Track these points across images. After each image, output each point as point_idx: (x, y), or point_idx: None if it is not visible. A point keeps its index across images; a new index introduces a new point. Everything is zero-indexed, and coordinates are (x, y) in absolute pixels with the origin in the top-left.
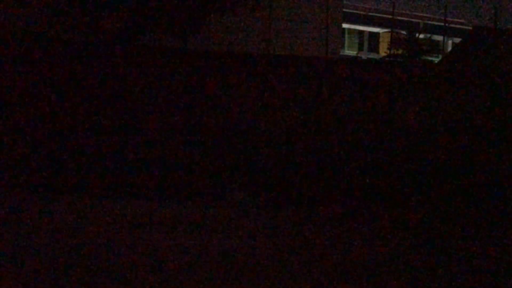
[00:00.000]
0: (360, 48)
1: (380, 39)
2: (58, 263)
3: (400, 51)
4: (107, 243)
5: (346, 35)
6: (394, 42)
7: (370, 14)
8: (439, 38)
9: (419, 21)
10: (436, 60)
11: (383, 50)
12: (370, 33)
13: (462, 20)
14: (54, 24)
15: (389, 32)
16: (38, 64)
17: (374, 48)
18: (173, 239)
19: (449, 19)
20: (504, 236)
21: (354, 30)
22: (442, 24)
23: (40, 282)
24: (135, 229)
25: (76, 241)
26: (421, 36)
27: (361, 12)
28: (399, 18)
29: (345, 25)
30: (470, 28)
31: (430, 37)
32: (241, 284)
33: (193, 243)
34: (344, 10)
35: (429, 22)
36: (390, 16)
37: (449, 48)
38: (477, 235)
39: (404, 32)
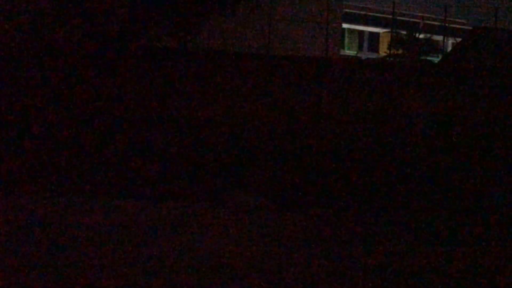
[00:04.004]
0: (360, 48)
1: (380, 39)
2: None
3: (400, 51)
4: (108, 243)
5: (346, 35)
6: (394, 42)
7: (370, 14)
8: (439, 38)
9: (419, 21)
10: (436, 60)
11: (383, 50)
12: (370, 33)
13: (462, 20)
14: (55, 27)
15: (389, 32)
16: (38, 67)
17: (374, 48)
18: (176, 240)
19: (449, 19)
20: None
21: (354, 30)
22: (442, 24)
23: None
24: (135, 230)
25: (71, 237)
26: (421, 36)
27: (361, 12)
28: (399, 18)
29: (345, 25)
30: (470, 28)
31: (430, 37)
32: (244, 285)
33: (194, 244)
34: (344, 10)
35: (429, 22)
36: (390, 16)
37: (449, 48)
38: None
39: (404, 32)
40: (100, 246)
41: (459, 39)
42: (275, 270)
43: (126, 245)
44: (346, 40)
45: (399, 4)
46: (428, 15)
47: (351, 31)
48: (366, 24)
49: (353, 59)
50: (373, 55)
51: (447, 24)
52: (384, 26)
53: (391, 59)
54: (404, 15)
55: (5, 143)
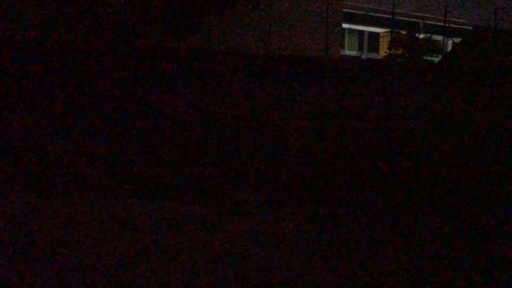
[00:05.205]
0: (360, 48)
1: (380, 39)
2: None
3: (400, 51)
4: (106, 243)
5: (346, 35)
6: (394, 42)
7: (370, 14)
8: (439, 38)
9: (419, 21)
10: (436, 60)
11: (383, 50)
12: (370, 33)
13: (462, 20)
14: (54, 27)
15: (389, 32)
16: (39, 66)
17: (374, 48)
18: (175, 240)
19: (449, 19)
20: None
21: (354, 30)
22: (442, 24)
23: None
24: (134, 229)
25: (75, 238)
26: (421, 36)
27: (361, 12)
28: (399, 18)
29: (345, 25)
30: (470, 28)
31: (430, 37)
32: (242, 285)
33: (193, 244)
34: (344, 10)
35: (429, 22)
36: (390, 16)
37: (449, 48)
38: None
39: (404, 32)
40: (100, 245)
41: (459, 39)
42: (275, 271)
43: (125, 245)
44: (346, 40)
45: (399, 4)
46: (428, 15)
47: (351, 31)
48: (366, 24)
49: (354, 59)
50: (373, 55)
51: (447, 24)
52: (384, 26)
53: (391, 59)
54: (404, 15)
55: None
